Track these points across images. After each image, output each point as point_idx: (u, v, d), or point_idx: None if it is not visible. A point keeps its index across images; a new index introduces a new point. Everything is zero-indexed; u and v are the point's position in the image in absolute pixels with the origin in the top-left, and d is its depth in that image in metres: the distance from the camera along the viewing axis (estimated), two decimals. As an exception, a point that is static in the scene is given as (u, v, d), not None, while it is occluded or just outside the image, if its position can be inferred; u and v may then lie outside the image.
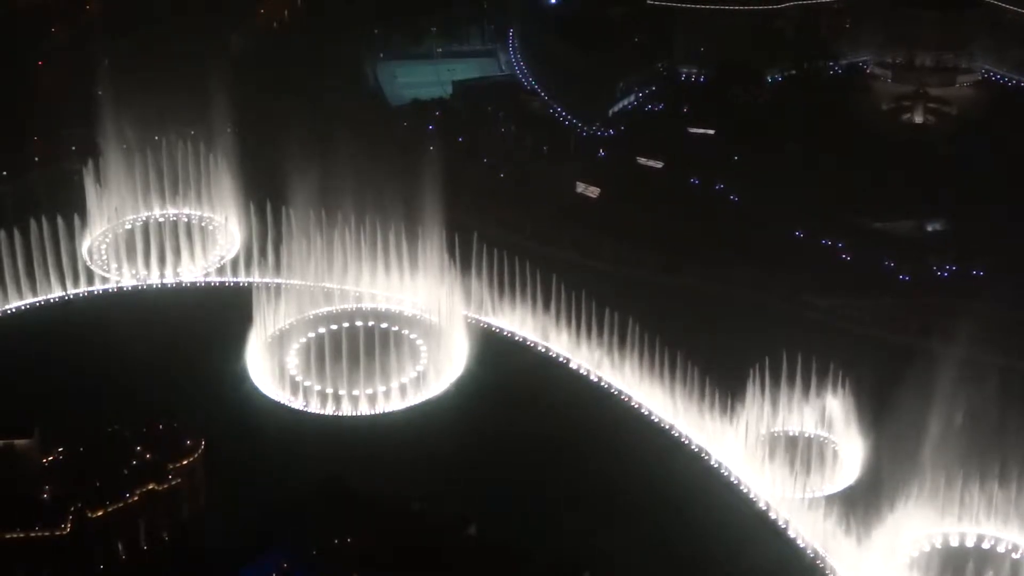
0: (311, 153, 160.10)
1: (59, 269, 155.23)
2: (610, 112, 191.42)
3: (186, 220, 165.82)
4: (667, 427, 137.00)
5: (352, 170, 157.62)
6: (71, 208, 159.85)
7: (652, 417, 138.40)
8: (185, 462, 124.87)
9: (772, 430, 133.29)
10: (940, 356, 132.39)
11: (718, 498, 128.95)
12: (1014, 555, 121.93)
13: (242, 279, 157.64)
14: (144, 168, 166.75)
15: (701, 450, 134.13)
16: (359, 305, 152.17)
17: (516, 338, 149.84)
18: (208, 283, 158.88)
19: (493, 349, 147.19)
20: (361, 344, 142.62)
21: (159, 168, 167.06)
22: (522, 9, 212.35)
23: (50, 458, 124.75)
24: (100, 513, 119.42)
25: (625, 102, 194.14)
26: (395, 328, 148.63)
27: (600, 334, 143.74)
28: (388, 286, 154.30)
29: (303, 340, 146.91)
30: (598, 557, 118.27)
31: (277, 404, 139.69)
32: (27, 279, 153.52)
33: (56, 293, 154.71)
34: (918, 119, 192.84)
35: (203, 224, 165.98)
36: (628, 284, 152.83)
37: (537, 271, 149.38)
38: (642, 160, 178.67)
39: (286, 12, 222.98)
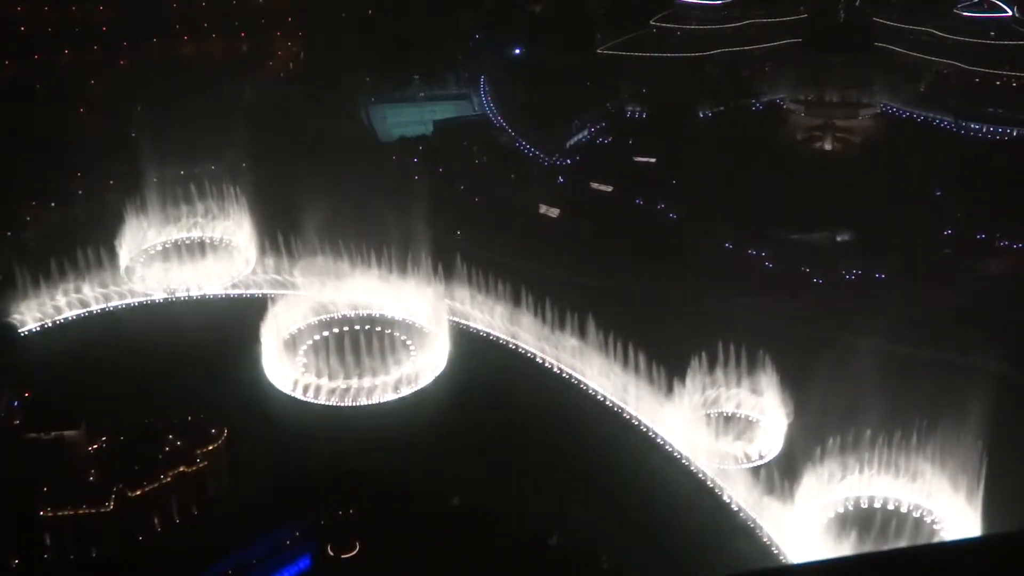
0: (314, 182, 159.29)
1: (102, 285, 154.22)
2: (567, 145, 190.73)
3: (208, 242, 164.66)
4: (619, 410, 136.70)
5: (349, 196, 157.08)
6: (111, 233, 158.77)
7: (607, 402, 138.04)
8: (210, 448, 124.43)
9: (708, 411, 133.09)
10: (850, 346, 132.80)
11: (662, 469, 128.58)
12: (914, 514, 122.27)
13: (257, 291, 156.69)
14: (172, 198, 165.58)
15: (648, 428, 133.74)
16: (357, 312, 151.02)
17: (491, 337, 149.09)
18: (227, 295, 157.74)
19: (472, 348, 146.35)
20: (360, 345, 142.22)
21: (185, 198, 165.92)
22: (491, 59, 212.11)
23: (95, 446, 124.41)
24: (139, 493, 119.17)
25: (579, 136, 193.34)
26: (388, 331, 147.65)
27: (562, 332, 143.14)
28: (381, 295, 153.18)
29: (309, 342, 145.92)
30: (559, 520, 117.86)
31: (289, 397, 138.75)
32: (75, 293, 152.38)
33: (99, 305, 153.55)
34: (827, 146, 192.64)
35: (223, 245, 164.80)
36: (585, 290, 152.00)
37: (508, 280, 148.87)
38: (595, 185, 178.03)
39: (291, 64, 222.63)
